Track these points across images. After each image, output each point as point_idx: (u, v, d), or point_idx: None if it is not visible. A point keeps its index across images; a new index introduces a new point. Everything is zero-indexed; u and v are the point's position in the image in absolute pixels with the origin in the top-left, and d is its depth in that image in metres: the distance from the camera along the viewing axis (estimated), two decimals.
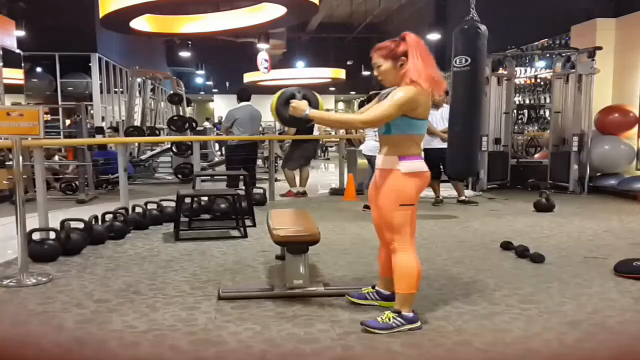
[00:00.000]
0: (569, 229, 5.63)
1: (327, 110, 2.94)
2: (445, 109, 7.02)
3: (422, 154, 2.99)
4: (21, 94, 11.82)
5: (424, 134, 3.01)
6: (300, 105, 2.99)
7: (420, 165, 2.93)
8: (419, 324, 2.88)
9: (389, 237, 2.95)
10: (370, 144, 6.65)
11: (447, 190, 7.79)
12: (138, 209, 5.84)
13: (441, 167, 7.26)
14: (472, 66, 5.90)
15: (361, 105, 7.18)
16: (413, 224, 2.94)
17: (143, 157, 12.10)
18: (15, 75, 10.86)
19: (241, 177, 6.86)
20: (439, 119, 7.19)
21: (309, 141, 8.93)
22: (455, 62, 6.02)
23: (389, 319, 2.84)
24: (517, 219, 6.26)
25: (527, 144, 10.59)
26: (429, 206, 7.29)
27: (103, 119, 14.80)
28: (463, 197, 7.51)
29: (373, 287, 3.34)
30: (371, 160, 6.83)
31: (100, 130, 10.90)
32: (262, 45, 17.89)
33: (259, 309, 3.19)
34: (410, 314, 2.88)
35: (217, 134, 13.88)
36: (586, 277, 3.83)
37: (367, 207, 6.98)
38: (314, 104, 3.11)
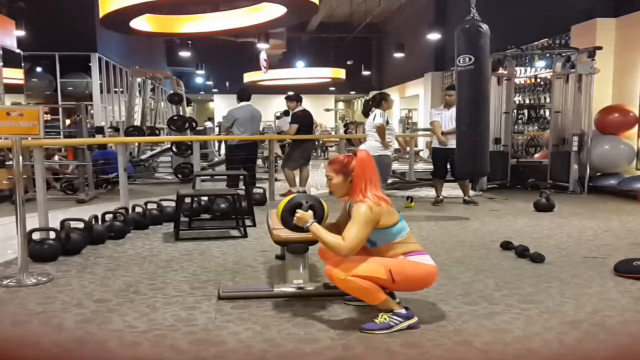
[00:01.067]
0: (569, 229, 5.63)
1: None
2: (454, 109, 7.01)
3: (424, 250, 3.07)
4: (21, 93, 11.83)
5: (406, 234, 3.05)
6: (304, 217, 3.03)
7: (428, 259, 3.00)
8: (415, 319, 2.90)
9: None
10: (370, 143, 6.66)
11: (446, 190, 7.79)
12: (138, 209, 5.84)
13: (448, 167, 7.29)
14: (476, 65, 5.90)
15: (365, 105, 7.16)
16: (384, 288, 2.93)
17: (143, 156, 12.10)
18: (15, 75, 10.87)
19: (241, 177, 6.86)
20: (448, 119, 7.21)
21: (309, 141, 8.93)
22: (459, 61, 6.02)
23: (385, 319, 2.87)
24: (517, 219, 6.26)
25: (527, 143, 10.59)
26: (428, 206, 7.29)
27: (107, 121, 14.81)
28: (467, 197, 7.51)
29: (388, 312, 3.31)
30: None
31: (100, 130, 10.91)
32: (262, 45, 17.88)
33: (259, 309, 3.20)
34: (403, 311, 2.90)
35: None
36: (586, 277, 3.83)
37: None
38: (319, 214, 3.15)
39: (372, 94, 27.98)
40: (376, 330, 2.83)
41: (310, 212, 3.07)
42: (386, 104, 6.79)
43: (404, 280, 2.88)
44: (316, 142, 17.36)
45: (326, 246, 2.93)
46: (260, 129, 10.56)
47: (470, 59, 5.88)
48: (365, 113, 6.96)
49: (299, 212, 3.05)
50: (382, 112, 6.65)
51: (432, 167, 7.93)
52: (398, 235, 3.00)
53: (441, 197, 7.51)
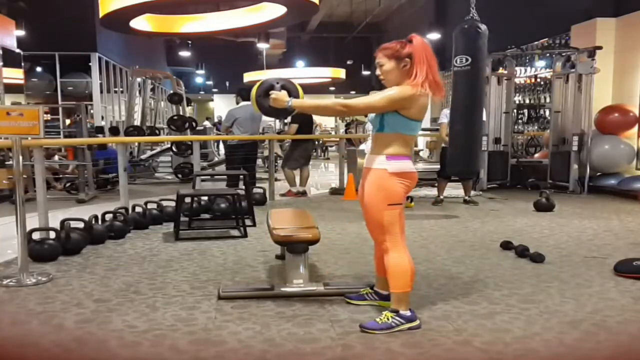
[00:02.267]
0: (568, 229, 5.63)
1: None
2: None
3: (412, 154, 3.00)
4: (21, 93, 11.83)
5: (416, 135, 3.00)
6: (280, 97, 3.00)
7: (408, 165, 2.92)
8: (417, 322, 2.89)
9: (380, 237, 2.96)
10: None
11: (446, 190, 7.78)
12: (138, 209, 5.84)
13: None
14: (472, 65, 5.91)
15: None
16: (402, 222, 2.96)
17: (143, 156, 12.10)
18: (15, 75, 10.87)
19: (241, 176, 6.86)
20: None
21: (309, 141, 8.93)
22: (456, 61, 6.02)
23: (388, 319, 2.86)
24: (517, 219, 6.26)
25: (527, 143, 10.59)
26: (428, 206, 7.30)
27: (107, 120, 14.81)
28: (467, 197, 7.53)
29: (371, 288, 3.34)
30: None
31: (100, 130, 10.91)
32: (262, 45, 17.88)
33: (259, 308, 3.20)
34: (408, 313, 2.89)
35: (217, 134, 13.87)
36: (586, 277, 3.83)
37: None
38: (294, 94, 3.11)
39: (372, 94, 28.10)
40: (376, 330, 2.82)
41: (284, 92, 3.02)
42: None
43: (398, 195, 2.88)
44: (316, 142, 17.37)
45: (319, 110, 2.89)
46: (260, 129, 10.56)
47: (467, 60, 5.89)
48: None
49: (273, 94, 3.00)
50: None
51: (431, 166, 7.94)
52: (409, 130, 2.91)
53: (441, 197, 7.52)
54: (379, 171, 2.89)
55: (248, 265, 4.25)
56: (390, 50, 2.91)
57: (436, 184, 7.89)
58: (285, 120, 9.25)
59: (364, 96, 2.97)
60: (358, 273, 4.01)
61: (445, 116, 7.45)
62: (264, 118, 8.76)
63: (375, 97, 2.87)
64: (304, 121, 8.48)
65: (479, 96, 6.22)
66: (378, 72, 2.98)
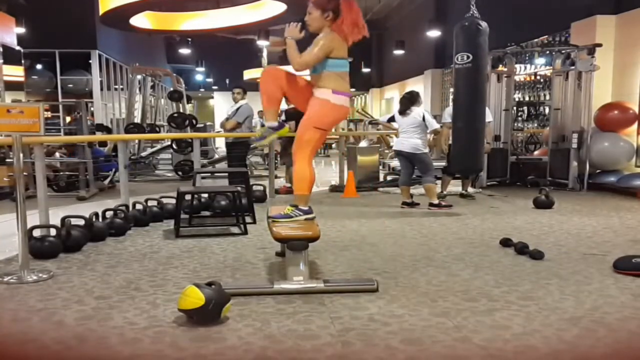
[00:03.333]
0: (568, 226, 5.64)
1: None
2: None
3: (349, 92, 3.72)
4: (21, 91, 11.83)
5: (344, 70, 3.67)
6: (276, 40, 3.77)
7: (346, 101, 3.69)
8: (313, 215, 3.70)
9: (294, 148, 3.70)
10: (412, 142, 6.69)
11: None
12: (138, 206, 5.85)
13: None
14: (473, 63, 5.91)
15: (403, 102, 7.06)
16: (318, 144, 3.77)
17: (143, 154, 12.11)
18: (15, 73, 10.87)
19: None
20: None
21: None
22: (457, 58, 6.03)
23: (289, 211, 3.66)
24: (516, 216, 6.27)
25: (526, 141, 10.60)
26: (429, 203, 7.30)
27: (107, 118, 14.81)
28: (464, 191, 7.61)
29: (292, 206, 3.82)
30: (407, 156, 6.85)
31: (100, 128, 10.91)
32: (262, 42, 17.85)
33: (259, 305, 3.20)
34: (306, 208, 3.70)
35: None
36: (585, 274, 3.84)
37: (405, 203, 6.98)
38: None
39: (371, 91, 28.03)
40: (279, 219, 3.63)
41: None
42: (420, 101, 6.96)
43: (327, 123, 3.69)
44: None
45: (290, 57, 3.53)
46: (260, 126, 10.56)
47: (468, 57, 5.90)
48: (403, 111, 6.90)
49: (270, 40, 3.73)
50: (429, 112, 7.01)
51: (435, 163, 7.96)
52: (340, 68, 3.64)
53: (445, 192, 7.58)
54: (324, 100, 3.61)
55: (248, 262, 4.26)
56: (318, 1, 3.59)
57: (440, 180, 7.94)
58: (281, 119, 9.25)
59: (308, 51, 3.57)
60: (358, 270, 4.02)
61: (449, 116, 7.46)
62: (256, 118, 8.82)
63: (314, 52, 3.52)
64: (300, 118, 8.49)
65: (481, 93, 6.23)
66: (306, 17, 3.65)
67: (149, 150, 12.29)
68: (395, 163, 11.93)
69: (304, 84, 3.77)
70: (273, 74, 3.73)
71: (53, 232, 4.59)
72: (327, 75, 3.60)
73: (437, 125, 6.86)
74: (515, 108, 9.74)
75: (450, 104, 7.75)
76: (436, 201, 6.81)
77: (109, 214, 5.45)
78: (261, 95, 3.74)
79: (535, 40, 11.39)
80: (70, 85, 14.52)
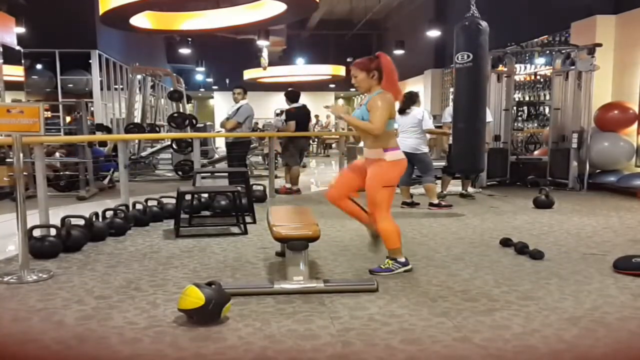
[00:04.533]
0: (568, 226, 5.64)
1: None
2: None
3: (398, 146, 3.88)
4: (21, 91, 11.82)
5: (395, 128, 3.96)
6: (338, 108, 4.09)
7: (401, 154, 3.85)
8: (410, 266, 3.89)
9: (371, 209, 3.86)
10: (410, 142, 6.70)
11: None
12: (138, 206, 5.85)
13: None
14: (474, 62, 5.91)
15: (402, 102, 7.06)
16: (391, 199, 3.86)
17: (143, 154, 12.10)
18: (15, 72, 10.86)
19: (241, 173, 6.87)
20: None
21: (303, 137, 8.94)
22: (458, 58, 6.03)
23: (390, 265, 3.84)
24: (516, 216, 6.27)
25: (526, 140, 10.60)
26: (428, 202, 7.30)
27: (107, 118, 14.80)
28: (464, 191, 7.62)
29: (390, 259, 3.93)
30: (407, 156, 6.84)
31: (100, 127, 10.92)
32: (262, 42, 17.86)
33: (259, 305, 3.21)
34: (403, 260, 3.87)
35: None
36: (585, 274, 3.84)
37: (405, 203, 6.98)
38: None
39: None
40: (380, 273, 3.78)
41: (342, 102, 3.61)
42: (419, 101, 6.98)
43: (392, 181, 3.81)
44: (311, 139, 17.30)
45: (358, 128, 3.78)
46: (260, 125, 10.58)
47: (468, 56, 5.90)
48: (402, 110, 6.87)
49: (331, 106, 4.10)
50: (428, 112, 7.05)
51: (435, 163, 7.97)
52: (391, 127, 3.84)
53: (445, 192, 7.58)
54: (379, 160, 3.76)
55: (248, 262, 4.26)
56: (362, 65, 3.82)
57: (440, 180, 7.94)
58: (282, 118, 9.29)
59: (372, 117, 3.71)
60: (358, 270, 4.02)
61: (449, 115, 7.46)
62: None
63: (380, 114, 3.66)
64: (300, 118, 8.52)
65: (481, 93, 6.23)
66: (353, 81, 3.89)
67: (149, 150, 12.28)
68: None
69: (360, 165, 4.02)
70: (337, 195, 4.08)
71: (53, 232, 4.59)
72: (381, 135, 3.74)
73: (430, 125, 6.82)
74: (515, 108, 9.75)
75: (451, 103, 7.74)
76: (436, 201, 6.81)
77: (109, 213, 5.45)
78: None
79: (535, 40, 11.39)
80: (70, 85, 14.51)
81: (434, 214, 6.45)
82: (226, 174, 8.52)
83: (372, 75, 3.78)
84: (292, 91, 8.85)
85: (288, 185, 8.51)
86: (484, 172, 8.60)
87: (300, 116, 8.60)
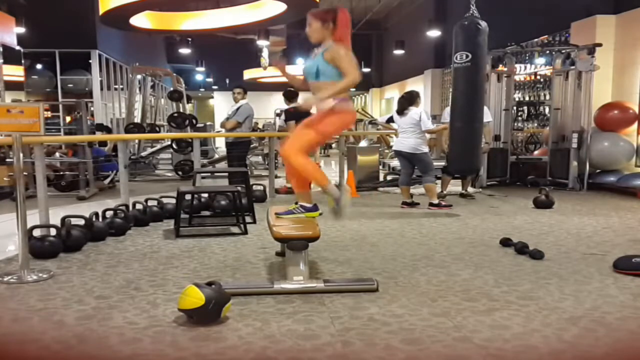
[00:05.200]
0: (568, 226, 5.64)
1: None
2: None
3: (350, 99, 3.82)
4: (21, 90, 11.85)
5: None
6: (308, 101, 3.74)
7: (350, 105, 3.81)
8: (318, 212, 3.86)
9: (290, 143, 3.76)
10: (410, 142, 6.70)
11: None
12: (138, 206, 5.85)
13: None
14: (472, 62, 5.91)
15: (401, 102, 7.06)
16: (313, 148, 3.95)
17: (143, 154, 12.10)
18: (15, 72, 10.87)
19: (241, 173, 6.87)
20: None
21: None
22: (456, 58, 6.04)
23: (293, 209, 3.85)
24: (516, 216, 6.27)
25: (526, 140, 10.60)
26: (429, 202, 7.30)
27: (107, 118, 14.81)
28: (464, 190, 7.63)
29: (296, 203, 3.95)
30: (406, 156, 6.85)
31: (100, 127, 10.92)
32: (262, 42, 17.85)
33: (259, 305, 3.21)
34: (309, 205, 3.86)
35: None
36: (585, 274, 3.84)
37: (405, 203, 6.98)
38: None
39: (370, 91, 28.01)
40: (283, 214, 3.80)
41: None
42: (419, 101, 6.95)
43: (330, 132, 3.86)
44: None
45: (342, 90, 3.63)
46: (260, 125, 10.58)
47: (467, 56, 5.90)
48: (401, 111, 6.89)
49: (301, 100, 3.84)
50: (427, 112, 6.92)
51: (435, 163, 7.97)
52: (340, 77, 3.67)
53: (445, 192, 7.59)
54: (327, 109, 3.66)
55: (248, 262, 4.26)
56: (320, 14, 3.79)
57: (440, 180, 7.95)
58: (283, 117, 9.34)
59: (345, 67, 3.64)
60: (358, 269, 4.02)
61: (448, 115, 7.45)
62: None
63: (348, 62, 3.63)
64: (299, 117, 8.52)
65: (480, 93, 6.23)
66: (307, 29, 3.80)
67: (149, 150, 12.28)
68: (396, 163, 11.93)
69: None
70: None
71: (53, 231, 4.60)
72: (328, 85, 3.67)
73: (430, 125, 6.83)
74: (515, 108, 9.75)
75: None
76: (436, 201, 6.81)
77: (109, 213, 5.44)
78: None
79: (535, 40, 11.40)
80: (70, 85, 14.51)
81: (434, 214, 6.45)
82: (226, 174, 8.53)
83: (326, 26, 3.74)
84: (291, 90, 8.85)
85: (288, 185, 8.50)
86: (483, 171, 8.62)
87: (300, 116, 8.60)
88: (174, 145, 11.03)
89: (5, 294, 3.49)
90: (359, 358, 2.53)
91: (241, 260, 4.34)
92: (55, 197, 7.63)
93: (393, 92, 25.09)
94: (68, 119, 13.69)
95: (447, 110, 7.67)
